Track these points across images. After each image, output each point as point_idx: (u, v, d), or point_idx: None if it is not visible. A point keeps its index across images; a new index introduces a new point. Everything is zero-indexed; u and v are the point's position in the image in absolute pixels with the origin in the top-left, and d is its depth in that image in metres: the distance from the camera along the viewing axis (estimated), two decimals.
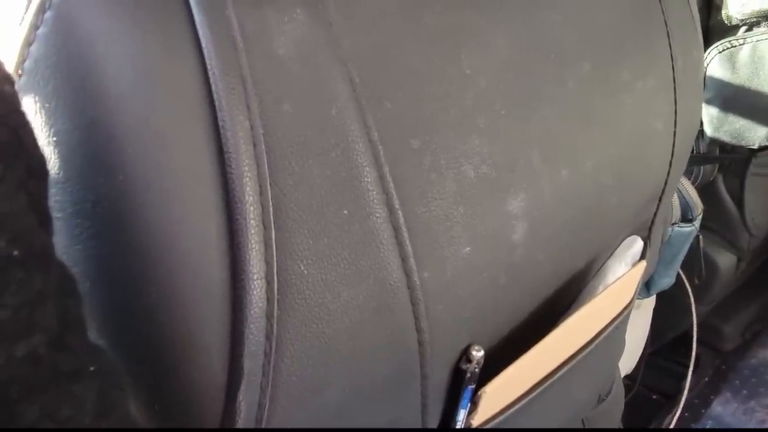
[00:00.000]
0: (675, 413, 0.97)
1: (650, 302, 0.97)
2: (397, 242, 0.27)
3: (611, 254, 0.46)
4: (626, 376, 1.16)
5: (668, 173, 0.47)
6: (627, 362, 1.06)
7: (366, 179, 0.26)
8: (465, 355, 0.33)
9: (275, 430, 0.26)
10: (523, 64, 0.32)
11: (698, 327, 1.16)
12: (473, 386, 0.33)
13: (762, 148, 0.88)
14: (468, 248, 0.30)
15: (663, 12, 0.42)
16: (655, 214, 0.50)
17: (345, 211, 0.25)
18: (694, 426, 1.05)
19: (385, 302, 0.28)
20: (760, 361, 1.14)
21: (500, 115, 0.31)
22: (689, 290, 0.93)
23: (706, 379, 1.16)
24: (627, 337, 1.05)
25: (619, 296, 0.45)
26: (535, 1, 0.34)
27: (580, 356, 0.41)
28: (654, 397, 1.16)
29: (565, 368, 0.40)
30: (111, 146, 0.21)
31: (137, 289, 0.23)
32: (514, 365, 0.35)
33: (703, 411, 1.07)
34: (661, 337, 1.12)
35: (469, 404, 0.34)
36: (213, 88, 0.22)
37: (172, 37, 0.22)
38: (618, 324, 0.46)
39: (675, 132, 0.45)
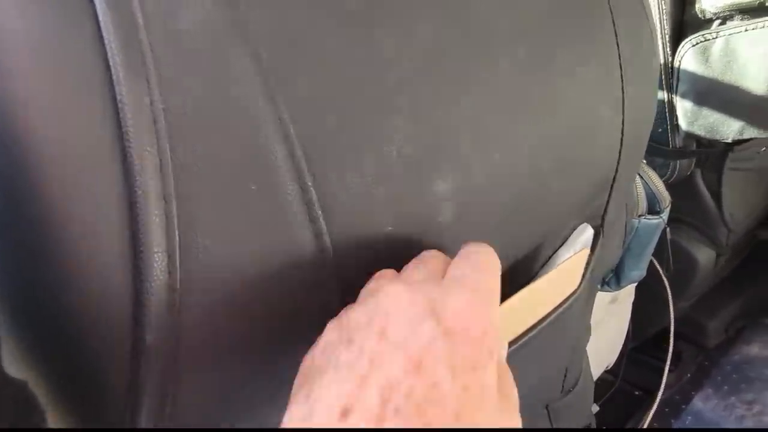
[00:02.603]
0: (651, 409, 0.97)
1: (627, 296, 0.98)
2: (309, 219, 0.27)
3: (563, 243, 0.46)
4: (608, 371, 1.16)
5: (618, 161, 0.47)
6: (607, 355, 1.06)
7: (275, 156, 0.26)
8: None
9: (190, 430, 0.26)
10: (451, 47, 0.33)
11: (682, 323, 1.16)
12: None
13: (737, 143, 0.88)
14: (390, 228, 0.30)
15: (608, 1, 0.43)
16: (608, 203, 0.50)
17: (253, 187, 0.26)
18: (674, 421, 1.05)
19: (300, 279, 0.28)
20: (743, 357, 1.14)
21: (425, 97, 0.31)
22: (667, 285, 0.93)
23: (689, 375, 1.16)
24: (605, 330, 1.06)
25: (562, 283, 0.45)
26: None
27: (520, 342, 0.41)
28: (636, 392, 1.16)
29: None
30: (5, 120, 0.22)
31: (37, 264, 0.23)
32: None
33: (683, 407, 1.07)
34: (642, 333, 1.12)
35: None
36: (111, 62, 0.23)
37: (67, 11, 0.22)
38: (565, 310, 0.46)
39: (623, 120, 0.45)
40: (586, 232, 0.47)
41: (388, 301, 0.24)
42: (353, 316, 0.25)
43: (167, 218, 0.24)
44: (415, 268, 0.28)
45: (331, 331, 0.25)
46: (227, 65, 0.25)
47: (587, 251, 0.44)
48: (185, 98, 0.24)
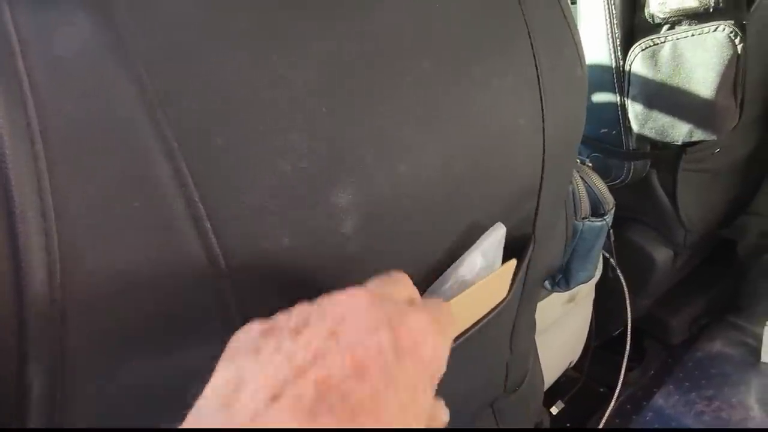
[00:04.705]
0: (609, 406, 0.99)
1: (587, 294, 0.99)
2: (198, 234, 0.28)
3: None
4: (573, 368, 1.18)
5: (543, 168, 0.49)
6: (568, 353, 1.08)
7: (159, 173, 0.27)
8: None
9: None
10: (350, 63, 0.34)
11: (646, 321, 1.18)
12: None
13: (689, 144, 0.90)
14: (286, 239, 0.32)
15: (523, 13, 0.44)
16: (537, 210, 0.51)
17: (136, 204, 0.27)
18: (635, 417, 1.07)
19: (192, 291, 0.29)
20: (705, 354, 1.16)
21: (321, 113, 0.32)
22: (624, 284, 0.95)
23: (652, 372, 1.18)
24: (564, 329, 1.07)
25: (492, 292, 0.46)
26: (369, 4, 0.35)
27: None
28: (601, 389, 1.18)
29: None
30: None
31: None
32: None
33: (644, 403, 1.09)
34: (605, 331, 1.14)
35: None
36: None
37: None
38: (495, 316, 0.47)
39: (543, 128, 0.47)
40: (496, 231, 0.47)
41: (348, 303, 0.24)
42: (307, 309, 0.25)
43: (47, 235, 0.25)
44: (382, 282, 0.29)
45: (280, 319, 0.25)
46: (106, 87, 0.26)
47: (514, 261, 0.45)
48: (63, 121, 0.25)
